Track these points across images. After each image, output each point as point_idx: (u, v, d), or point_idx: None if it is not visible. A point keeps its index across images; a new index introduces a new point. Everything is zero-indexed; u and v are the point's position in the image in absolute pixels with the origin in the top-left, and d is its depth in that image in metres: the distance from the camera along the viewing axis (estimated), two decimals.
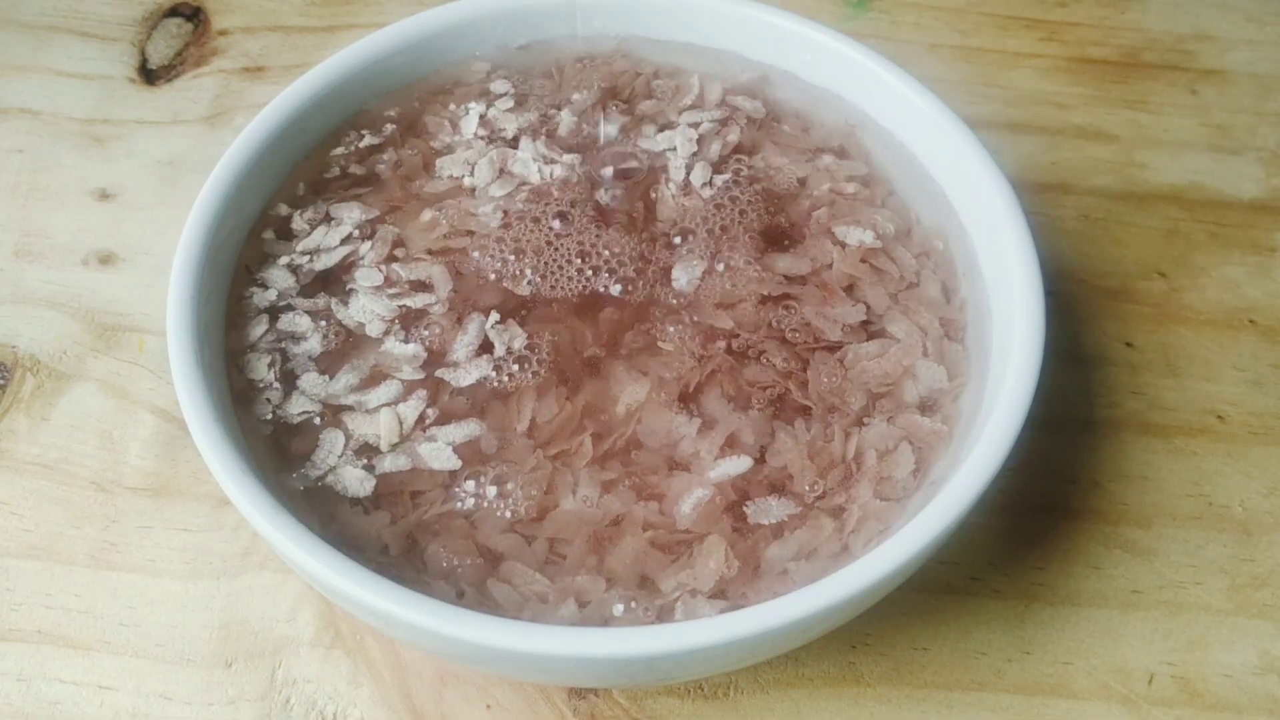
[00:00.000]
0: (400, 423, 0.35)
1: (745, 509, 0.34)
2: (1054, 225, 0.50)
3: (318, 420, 0.35)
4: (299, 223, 0.39)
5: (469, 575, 0.33)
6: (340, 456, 0.35)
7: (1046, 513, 0.42)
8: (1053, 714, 0.38)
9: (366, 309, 0.37)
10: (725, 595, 0.33)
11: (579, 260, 0.39)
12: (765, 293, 0.38)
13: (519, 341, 0.37)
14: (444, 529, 0.34)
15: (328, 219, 0.40)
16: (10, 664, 0.38)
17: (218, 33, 0.56)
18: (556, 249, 0.39)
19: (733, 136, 0.42)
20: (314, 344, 0.37)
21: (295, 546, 0.30)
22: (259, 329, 0.37)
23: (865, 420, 0.36)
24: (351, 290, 0.38)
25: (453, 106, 0.43)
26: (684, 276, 0.38)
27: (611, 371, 0.37)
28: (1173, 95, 0.55)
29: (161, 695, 0.38)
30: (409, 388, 0.36)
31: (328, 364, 0.37)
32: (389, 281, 0.38)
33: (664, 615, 0.32)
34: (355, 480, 0.34)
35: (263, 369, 0.36)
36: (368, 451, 0.35)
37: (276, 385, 0.36)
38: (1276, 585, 0.41)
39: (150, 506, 0.42)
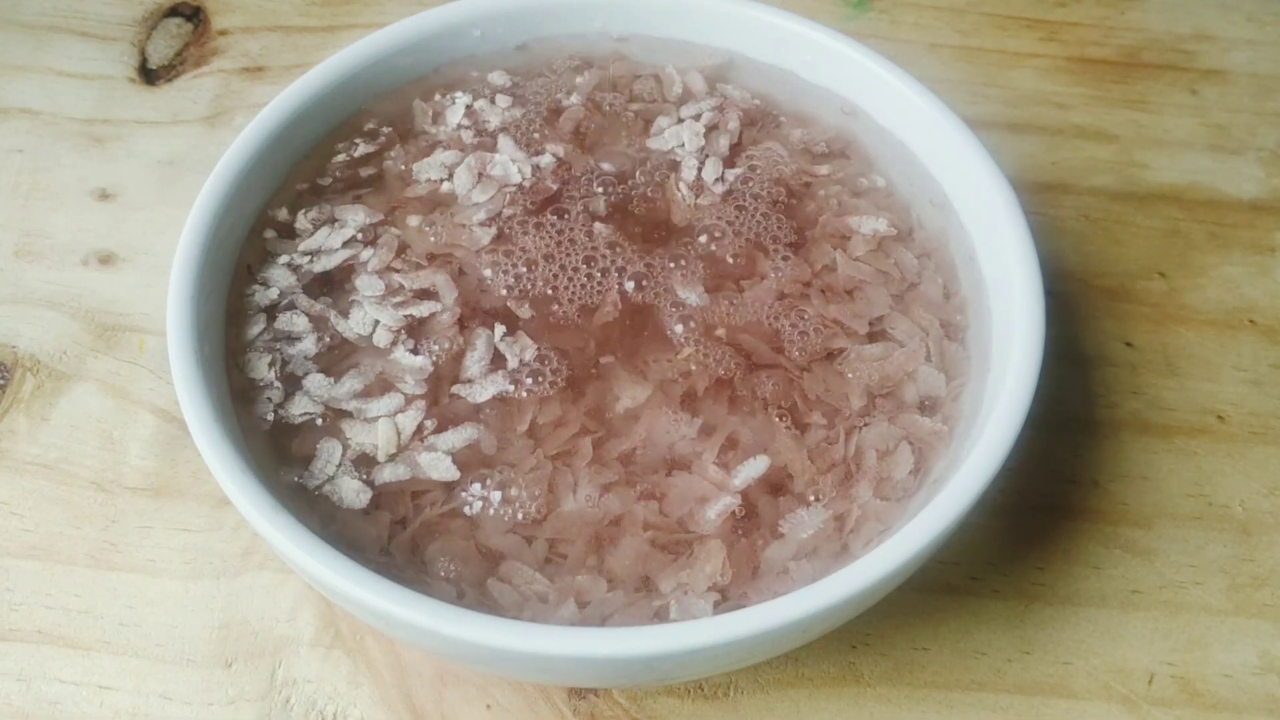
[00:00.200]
0: (398, 433, 0.35)
1: (781, 527, 0.34)
2: (1054, 225, 0.50)
3: (319, 422, 0.35)
4: (302, 222, 0.39)
5: (469, 575, 0.33)
6: (338, 466, 0.34)
7: (1046, 513, 0.42)
8: (1053, 714, 0.38)
9: (369, 317, 0.37)
10: (725, 595, 0.33)
11: (585, 265, 0.39)
12: (769, 294, 0.38)
13: (529, 353, 0.36)
14: (444, 529, 0.34)
15: (332, 220, 0.40)
16: (10, 664, 0.38)
17: (218, 33, 0.56)
18: (559, 254, 0.39)
19: (734, 124, 0.42)
20: (310, 345, 0.37)
21: (295, 546, 0.30)
22: (258, 328, 0.37)
23: (865, 420, 0.36)
24: (355, 301, 0.37)
25: (438, 97, 0.43)
26: (692, 278, 0.38)
27: (613, 372, 0.37)
28: (1173, 95, 0.55)
29: (161, 695, 0.38)
30: (409, 400, 0.36)
31: (332, 366, 0.36)
32: (391, 290, 0.38)
33: (660, 615, 0.32)
34: (352, 492, 0.34)
35: (263, 368, 0.36)
36: (366, 462, 0.35)
37: (277, 385, 0.36)
38: (1276, 585, 0.41)
39: (150, 506, 0.42)
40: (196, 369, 0.33)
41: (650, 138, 0.42)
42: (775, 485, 0.35)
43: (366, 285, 0.38)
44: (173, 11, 0.57)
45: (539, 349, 0.36)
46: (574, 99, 0.43)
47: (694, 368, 0.36)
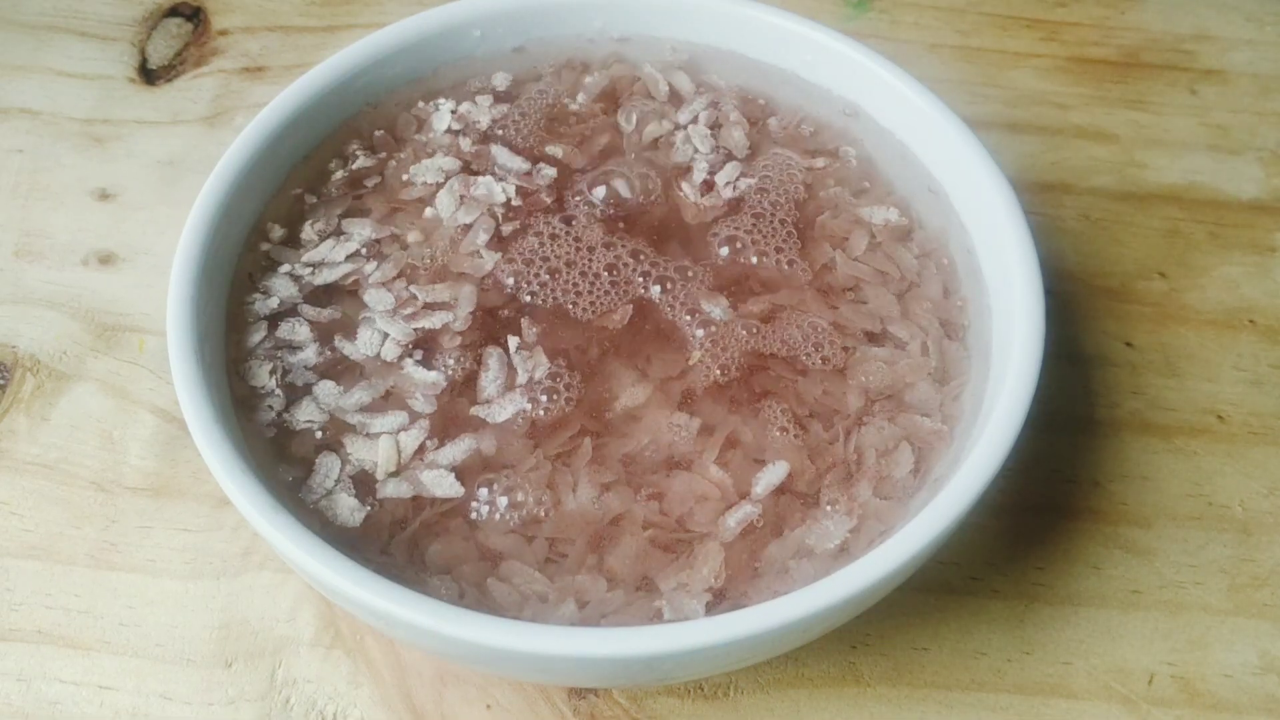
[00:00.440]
0: (399, 452, 0.35)
1: (808, 541, 0.33)
2: (1054, 225, 0.50)
3: (319, 435, 0.35)
4: (308, 233, 0.39)
5: (469, 575, 0.33)
6: (336, 482, 0.34)
7: (1046, 513, 0.42)
8: (1053, 714, 0.38)
9: (377, 332, 0.37)
10: (725, 595, 0.33)
11: (607, 273, 0.38)
12: (777, 297, 0.38)
13: (541, 370, 0.36)
14: (444, 529, 0.34)
15: (338, 233, 0.39)
16: (10, 664, 0.38)
17: (218, 33, 0.56)
18: (565, 262, 0.39)
19: (734, 115, 0.43)
20: (311, 354, 0.37)
21: (295, 546, 0.30)
22: (259, 336, 0.37)
23: (865, 420, 0.36)
24: (365, 318, 0.37)
25: (439, 101, 0.43)
26: (703, 285, 0.38)
27: (613, 372, 0.36)
28: (1173, 95, 0.55)
29: (161, 695, 0.38)
30: (414, 418, 0.35)
31: (340, 376, 0.36)
32: (401, 303, 0.38)
33: (660, 614, 0.32)
34: (346, 510, 0.34)
35: (264, 374, 0.36)
36: (364, 479, 0.34)
37: (278, 393, 0.36)
38: (1276, 585, 0.41)
39: (150, 506, 0.42)
40: (197, 368, 0.33)
41: (657, 149, 0.42)
42: (776, 485, 0.35)
43: (375, 299, 0.38)
44: (173, 11, 0.57)
45: (552, 366, 0.36)
46: (578, 100, 0.43)
47: (706, 366, 0.36)
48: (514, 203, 0.40)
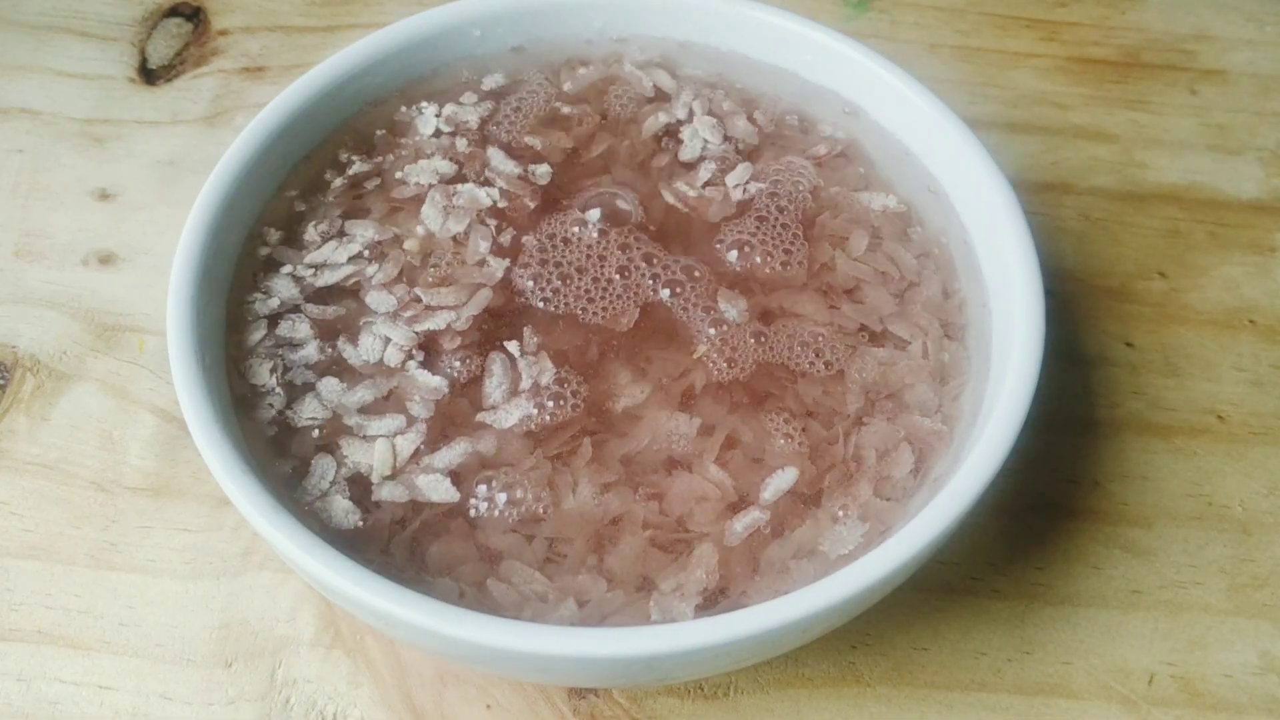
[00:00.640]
0: (395, 456, 0.35)
1: (821, 547, 0.33)
2: (1054, 225, 0.50)
3: (316, 434, 0.35)
4: (312, 234, 0.39)
5: (469, 575, 0.33)
6: (331, 484, 0.34)
7: (1046, 513, 0.42)
8: (1053, 714, 0.38)
9: (380, 334, 0.37)
10: (726, 594, 0.33)
11: (616, 277, 0.38)
12: (780, 298, 0.38)
13: (547, 376, 0.36)
14: (444, 529, 0.34)
15: (341, 234, 0.39)
16: (10, 664, 0.38)
17: (218, 33, 0.56)
18: (576, 268, 0.39)
19: (729, 106, 0.43)
20: (313, 352, 0.37)
21: (295, 546, 0.30)
22: (259, 334, 0.37)
23: (865, 420, 0.36)
24: (367, 322, 0.37)
25: (419, 106, 0.43)
26: (709, 286, 0.38)
27: (616, 372, 0.36)
28: (1173, 95, 0.55)
29: (161, 695, 0.38)
30: (411, 422, 0.35)
31: (343, 373, 0.36)
32: (403, 305, 0.38)
33: (642, 616, 0.32)
34: (341, 512, 0.34)
35: (265, 372, 0.36)
36: (359, 482, 0.34)
37: (278, 389, 0.36)
38: (1276, 585, 0.41)
39: (150, 506, 0.42)
40: (196, 368, 0.33)
41: (661, 148, 0.42)
42: (785, 491, 0.35)
43: (377, 301, 0.37)
44: (173, 11, 0.57)
45: (558, 371, 0.36)
46: (572, 99, 0.43)
47: (711, 360, 0.36)
48: (500, 205, 0.40)
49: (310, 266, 0.38)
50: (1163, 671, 0.39)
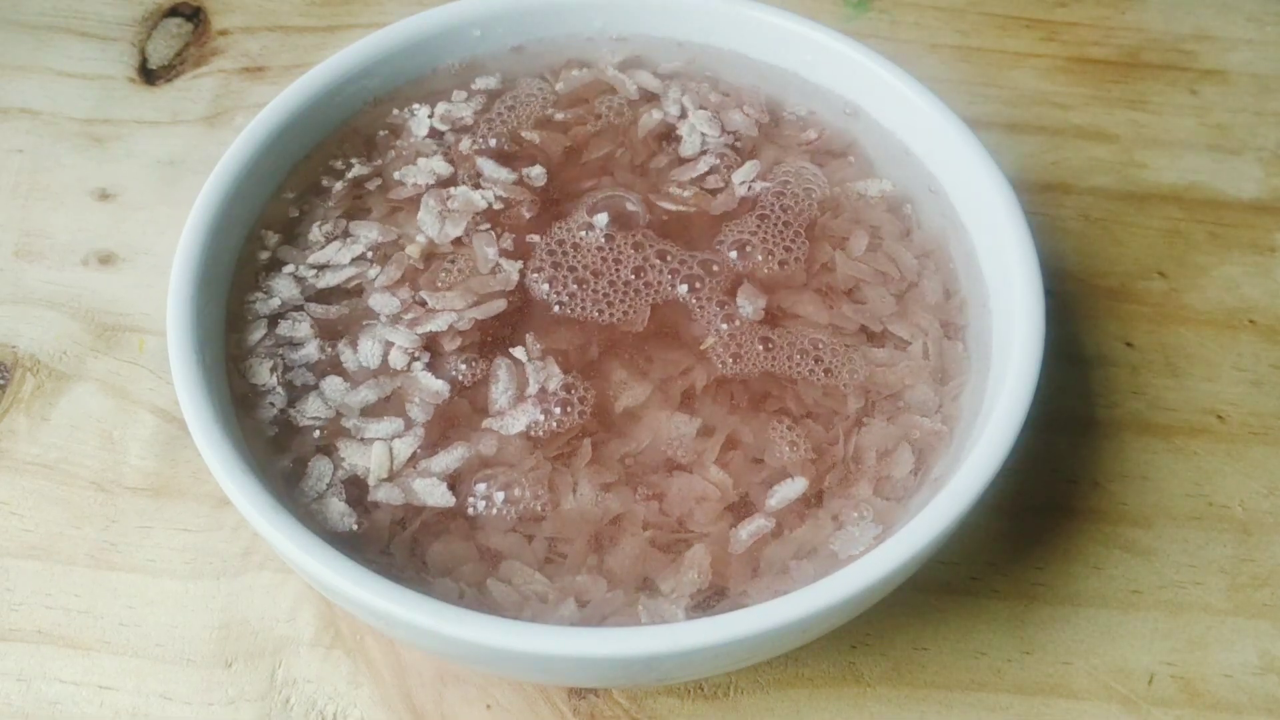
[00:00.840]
0: (391, 459, 0.35)
1: (832, 546, 0.33)
2: (1054, 225, 0.50)
3: (318, 434, 0.35)
4: (316, 234, 0.39)
5: (469, 575, 0.33)
6: (328, 486, 0.34)
7: (1046, 513, 0.42)
8: (1053, 714, 0.38)
9: (381, 341, 0.37)
10: (726, 594, 0.33)
11: (632, 276, 0.38)
12: (772, 295, 0.38)
13: (555, 382, 0.36)
14: (444, 529, 0.34)
15: (345, 235, 0.39)
16: (10, 664, 0.38)
17: (218, 33, 0.56)
18: (582, 269, 0.39)
19: (715, 99, 0.43)
20: (313, 351, 0.37)
21: (295, 546, 0.30)
22: (259, 334, 0.37)
23: (865, 421, 0.36)
24: (367, 325, 0.37)
25: (418, 106, 0.43)
26: (713, 286, 0.38)
27: (613, 372, 0.36)
28: (1173, 95, 0.55)
29: (161, 695, 0.38)
30: (409, 425, 0.35)
31: (347, 373, 0.36)
32: (405, 307, 0.37)
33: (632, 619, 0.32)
34: (337, 514, 0.34)
35: (265, 372, 0.36)
36: (356, 484, 0.34)
37: (279, 389, 0.36)
38: (1276, 585, 0.41)
39: (150, 506, 0.42)
40: (196, 368, 0.33)
41: (661, 147, 0.42)
42: (792, 500, 0.35)
43: (380, 303, 0.37)
44: (173, 11, 0.57)
45: (566, 378, 0.36)
46: (563, 114, 0.43)
47: (714, 356, 0.36)
48: (496, 208, 0.40)
49: (313, 267, 0.38)
50: (1163, 671, 0.39)
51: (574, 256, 0.38)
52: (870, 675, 0.39)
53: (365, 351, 0.36)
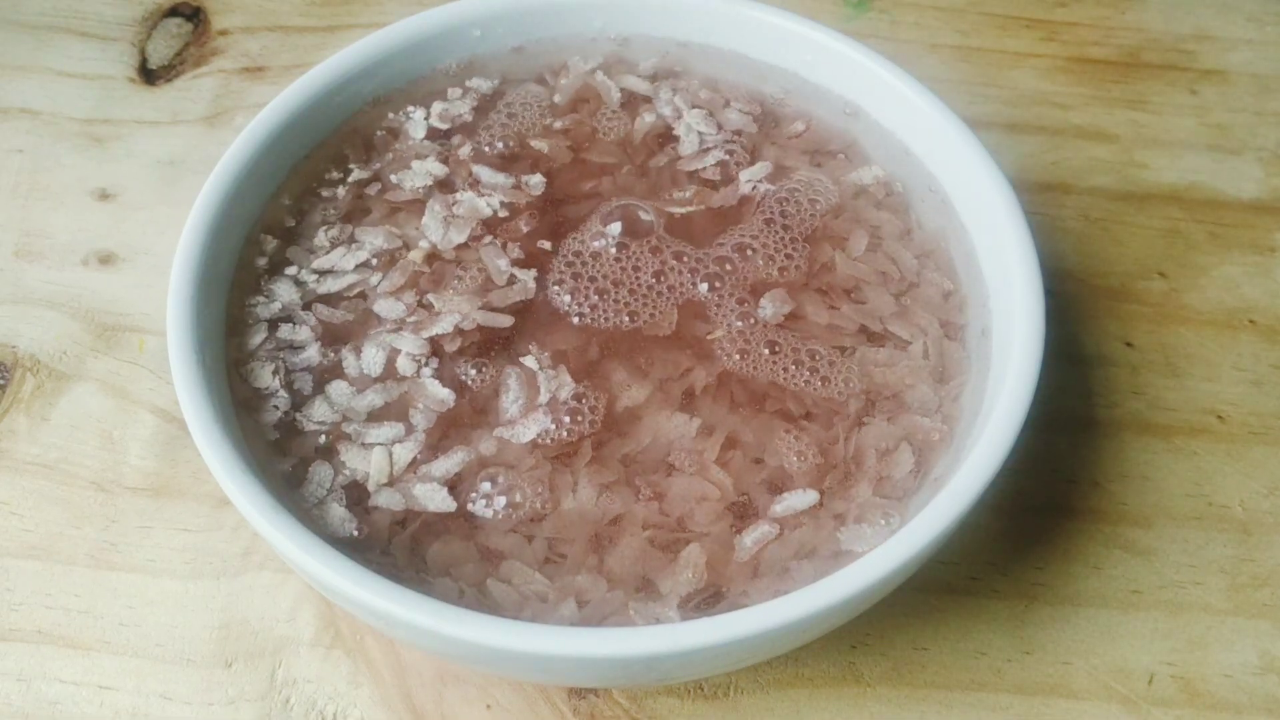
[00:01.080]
0: (391, 464, 0.34)
1: (839, 535, 0.33)
2: (1054, 225, 0.50)
3: (323, 438, 0.35)
4: (321, 239, 0.39)
5: (469, 575, 0.33)
6: (329, 491, 0.34)
7: (1046, 513, 0.42)
8: (1053, 714, 0.38)
9: (384, 348, 0.37)
10: (725, 595, 0.33)
11: (653, 280, 0.38)
12: (771, 295, 0.38)
13: (565, 390, 0.36)
14: (444, 529, 0.34)
15: (350, 240, 0.39)
16: (10, 664, 0.38)
17: (218, 33, 0.56)
18: (602, 279, 0.39)
19: (706, 95, 0.43)
20: (314, 354, 0.37)
21: (295, 546, 0.30)
22: (260, 337, 0.37)
23: (865, 421, 0.36)
24: (374, 331, 0.37)
25: (417, 106, 0.43)
26: (720, 286, 0.38)
27: (613, 372, 0.36)
28: (1173, 95, 0.55)
29: (161, 695, 0.38)
30: (410, 430, 0.35)
31: (350, 380, 0.36)
32: (410, 310, 0.37)
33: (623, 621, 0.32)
34: (338, 519, 0.34)
35: (267, 375, 0.36)
36: (356, 489, 0.34)
37: (283, 392, 0.36)
38: (1276, 585, 0.41)
39: (150, 506, 0.42)
40: (197, 368, 0.33)
41: (660, 149, 0.42)
42: (776, 485, 0.35)
43: (386, 308, 0.37)
44: (173, 11, 0.57)
45: (578, 387, 0.36)
46: (560, 122, 0.43)
47: (723, 348, 0.36)
48: (500, 215, 0.40)
49: (315, 272, 0.38)
50: (1163, 671, 0.39)
51: (593, 266, 0.38)
52: (870, 675, 0.39)
53: (369, 357, 0.36)
